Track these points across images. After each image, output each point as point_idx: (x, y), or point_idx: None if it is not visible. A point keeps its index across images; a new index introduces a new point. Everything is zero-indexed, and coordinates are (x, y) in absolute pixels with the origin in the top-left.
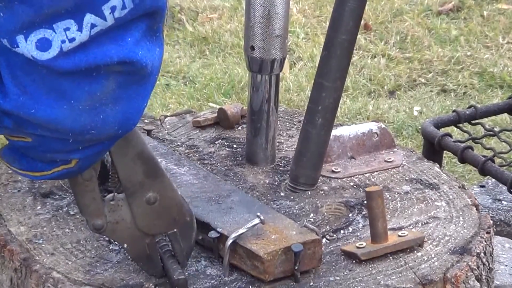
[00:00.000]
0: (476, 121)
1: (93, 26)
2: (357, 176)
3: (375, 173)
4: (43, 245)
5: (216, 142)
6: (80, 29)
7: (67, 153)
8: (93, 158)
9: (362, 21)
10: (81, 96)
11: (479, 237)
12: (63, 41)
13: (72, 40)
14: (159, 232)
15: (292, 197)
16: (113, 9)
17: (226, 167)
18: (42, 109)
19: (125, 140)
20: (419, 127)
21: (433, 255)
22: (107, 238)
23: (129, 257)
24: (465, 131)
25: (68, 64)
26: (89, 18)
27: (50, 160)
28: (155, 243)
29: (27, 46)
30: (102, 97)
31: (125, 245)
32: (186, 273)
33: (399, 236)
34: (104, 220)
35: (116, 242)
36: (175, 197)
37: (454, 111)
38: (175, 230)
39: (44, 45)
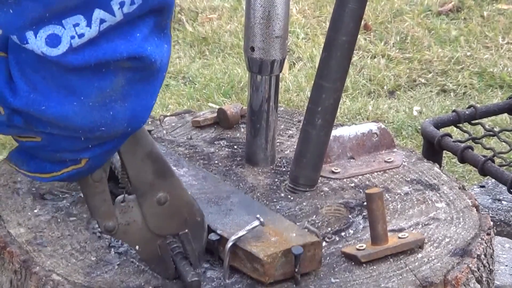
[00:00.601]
0: (476, 121)
1: (102, 21)
2: (357, 176)
3: (375, 173)
4: (42, 247)
5: (215, 142)
6: (89, 24)
7: (77, 152)
8: (102, 157)
9: (362, 22)
10: (91, 93)
11: (480, 239)
12: (72, 37)
13: (81, 35)
14: (170, 233)
15: (292, 198)
16: (122, 4)
17: (226, 168)
18: (52, 106)
19: (134, 139)
20: (419, 127)
21: (433, 257)
22: (107, 240)
23: (141, 259)
24: (465, 131)
25: (78, 60)
26: (98, 14)
27: (60, 161)
28: (167, 244)
29: (36, 42)
30: (112, 93)
31: (137, 247)
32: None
33: (399, 238)
34: (115, 221)
35: (127, 245)
36: (185, 197)
37: (454, 111)
38: (186, 230)
39: (53, 41)
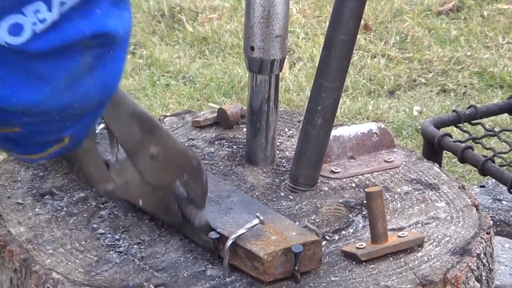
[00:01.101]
0: (476, 121)
1: (62, 3)
2: (357, 176)
3: (375, 173)
4: (42, 246)
5: (216, 142)
6: (50, 9)
7: (58, 132)
8: (85, 131)
9: (362, 21)
10: (59, 76)
11: (479, 238)
12: (34, 23)
13: (43, 21)
14: (169, 183)
15: (292, 198)
16: None
17: (226, 167)
18: (23, 97)
19: (115, 103)
20: (419, 127)
21: (433, 256)
22: (107, 239)
23: (147, 211)
24: (465, 131)
25: (43, 45)
26: None
27: (44, 142)
28: (169, 193)
29: None
30: (80, 72)
31: (140, 202)
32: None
33: (399, 236)
34: (114, 184)
35: (131, 202)
36: (177, 146)
37: (454, 111)
38: (185, 177)
39: (16, 29)
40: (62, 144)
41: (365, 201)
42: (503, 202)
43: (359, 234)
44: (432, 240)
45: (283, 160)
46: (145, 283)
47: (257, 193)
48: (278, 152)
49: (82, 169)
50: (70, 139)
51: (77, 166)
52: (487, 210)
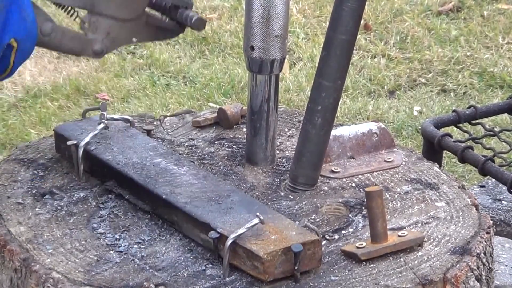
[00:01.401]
0: (476, 121)
1: None
2: (357, 176)
3: (375, 173)
4: (42, 245)
5: (216, 142)
6: None
7: None
8: (24, 25)
9: (362, 21)
10: None
11: (479, 237)
12: None
13: None
14: (145, 5)
15: (291, 197)
16: None
17: (226, 167)
18: None
19: None
20: (419, 127)
21: (433, 255)
22: (107, 239)
23: (145, 41)
24: (465, 131)
25: None
26: None
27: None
28: (153, 14)
29: None
30: None
31: (134, 39)
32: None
33: (399, 236)
34: (98, 42)
35: (126, 47)
36: None
37: (454, 111)
38: None
39: None
40: (15, 47)
41: (365, 201)
42: (503, 202)
43: (359, 234)
44: (432, 240)
45: (283, 160)
46: (145, 283)
47: (257, 193)
48: (278, 152)
49: (63, 50)
50: (17, 41)
51: (59, 51)
52: (487, 210)
